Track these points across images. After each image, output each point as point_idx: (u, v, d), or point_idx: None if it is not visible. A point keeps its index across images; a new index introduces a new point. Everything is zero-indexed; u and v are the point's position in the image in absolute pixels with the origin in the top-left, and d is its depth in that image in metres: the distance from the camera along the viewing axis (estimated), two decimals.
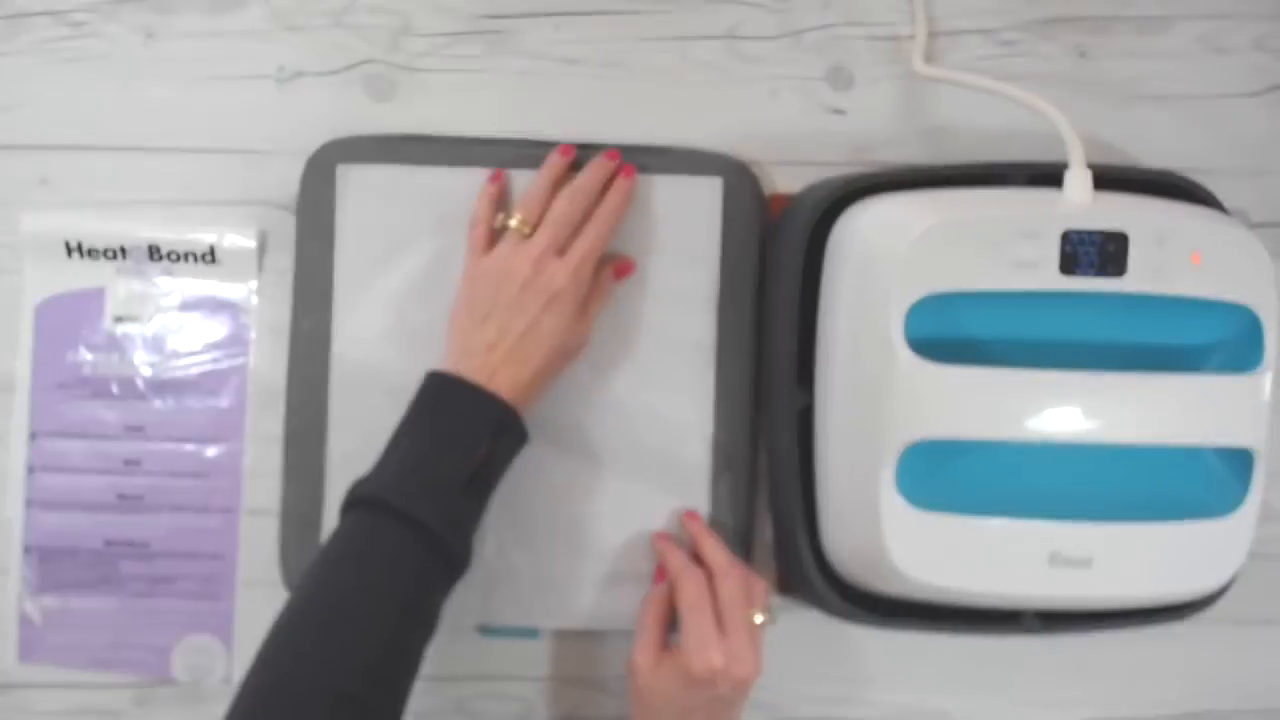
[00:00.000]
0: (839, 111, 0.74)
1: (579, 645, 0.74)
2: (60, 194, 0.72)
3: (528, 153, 0.71)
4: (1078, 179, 0.63)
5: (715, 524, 0.71)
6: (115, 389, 0.72)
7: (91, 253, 0.72)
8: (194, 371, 0.72)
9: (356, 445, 0.70)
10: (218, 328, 0.72)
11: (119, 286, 0.72)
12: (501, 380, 0.64)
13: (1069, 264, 0.61)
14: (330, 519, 0.70)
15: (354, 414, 0.71)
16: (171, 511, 0.72)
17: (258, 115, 0.72)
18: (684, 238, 0.71)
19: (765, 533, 0.73)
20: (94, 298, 0.72)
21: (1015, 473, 0.63)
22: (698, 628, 0.63)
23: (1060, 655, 0.75)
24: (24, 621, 0.72)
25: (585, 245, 0.67)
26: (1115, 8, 0.75)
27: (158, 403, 0.72)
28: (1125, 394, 0.62)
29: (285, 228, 0.72)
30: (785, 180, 0.73)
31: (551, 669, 0.74)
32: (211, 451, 0.72)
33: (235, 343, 0.72)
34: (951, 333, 0.62)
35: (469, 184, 0.71)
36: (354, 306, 0.71)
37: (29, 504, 0.71)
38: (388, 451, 0.63)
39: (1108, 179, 0.65)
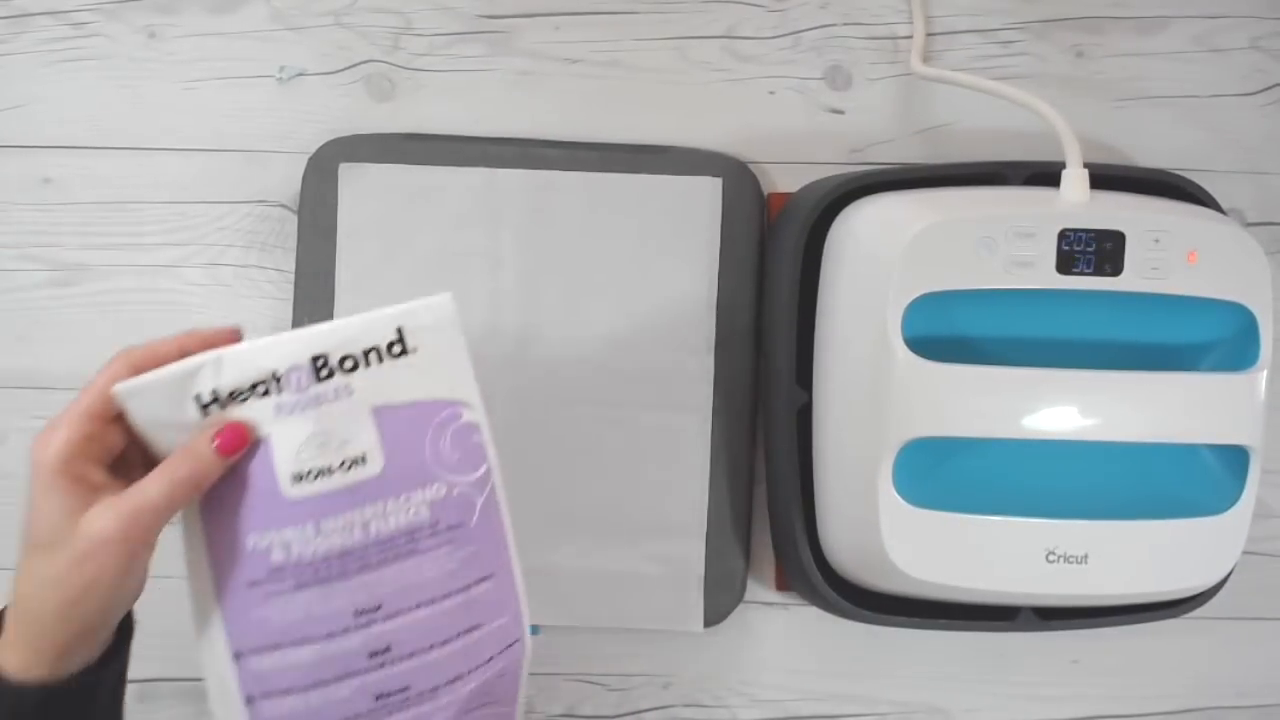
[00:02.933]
0: (837, 111, 0.74)
1: (579, 642, 0.74)
2: (62, 194, 0.72)
3: (528, 153, 0.72)
4: (1074, 178, 0.63)
5: (714, 520, 0.72)
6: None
7: (234, 396, 0.47)
8: None
9: None
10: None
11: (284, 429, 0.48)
12: None
13: (1066, 263, 0.61)
14: None
15: None
16: None
17: (259, 115, 0.73)
18: (683, 237, 0.72)
19: (764, 530, 0.73)
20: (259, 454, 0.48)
21: (1012, 470, 0.63)
22: None
23: (1057, 651, 0.75)
24: None
25: None
26: (1112, 8, 0.75)
27: None
28: (1122, 392, 0.62)
29: (287, 227, 0.73)
30: (784, 180, 0.74)
31: (551, 665, 0.74)
32: None
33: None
34: (949, 331, 0.62)
35: (469, 184, 0.71)
36: (355, 305, 0.71)
37: None
38: None
39: (1104, 178, 0.65)
